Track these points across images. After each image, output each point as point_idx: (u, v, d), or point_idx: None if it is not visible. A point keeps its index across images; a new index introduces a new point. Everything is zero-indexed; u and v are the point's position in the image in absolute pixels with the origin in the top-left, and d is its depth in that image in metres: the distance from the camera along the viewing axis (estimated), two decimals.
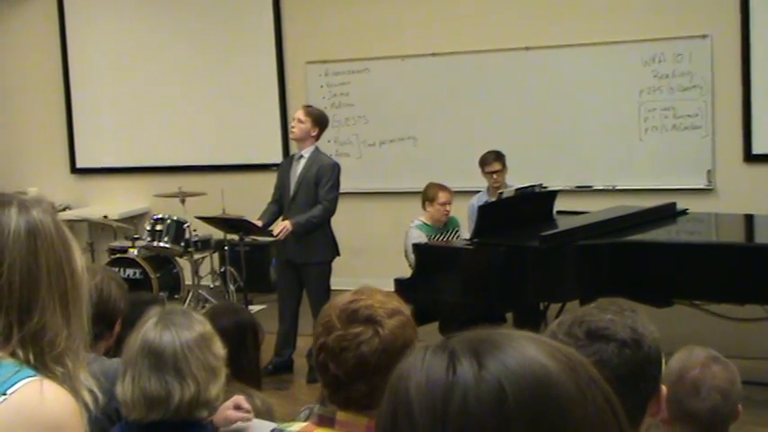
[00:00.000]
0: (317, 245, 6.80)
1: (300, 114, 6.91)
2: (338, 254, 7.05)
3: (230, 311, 3.63)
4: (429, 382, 0.95)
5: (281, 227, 6.76)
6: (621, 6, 8.50)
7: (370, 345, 2.03)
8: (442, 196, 7.15)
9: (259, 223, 7.01)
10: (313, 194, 6.82)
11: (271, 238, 6.98)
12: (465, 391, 0.93)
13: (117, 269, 8.30)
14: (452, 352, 0.97)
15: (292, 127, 6.96)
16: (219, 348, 2.60)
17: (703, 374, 2.52)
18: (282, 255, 6.98)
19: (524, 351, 0.96)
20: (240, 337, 3.38)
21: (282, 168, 7.11)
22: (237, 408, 2.72)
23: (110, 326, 3.06)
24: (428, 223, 7.17)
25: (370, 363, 2.01)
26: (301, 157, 6.93)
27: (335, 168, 6.92)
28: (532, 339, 0.99)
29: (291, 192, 6.90)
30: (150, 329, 2.53)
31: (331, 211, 6.87)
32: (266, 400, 3.27)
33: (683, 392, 2.43)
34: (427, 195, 7.22)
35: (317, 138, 6.97)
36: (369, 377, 2.01)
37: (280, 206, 7.05)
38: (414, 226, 7.16)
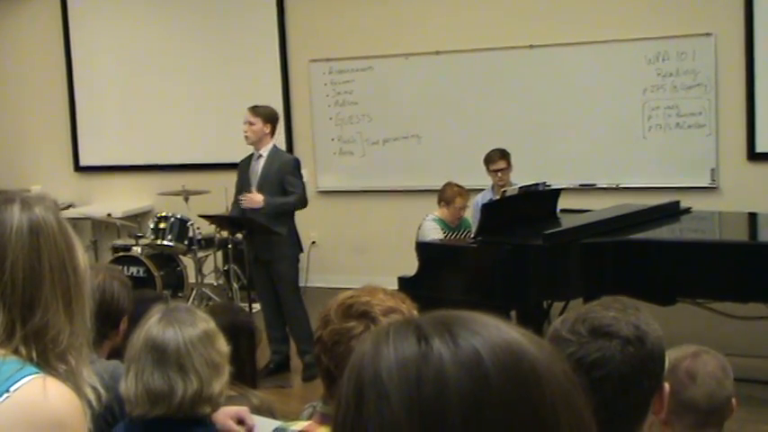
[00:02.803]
0: (282, 241, 6.82)
1: (249, 117, 6.89)
2: (302, 250, 7.21)
3: (226, 311, 3.63)
4: (400, 353, 0.92)
5: (251, 196, 6.81)
6: (625, 5, 8.48)
7: (360, 339, 2.03)
8: (459, 201, 7.08)
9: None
10: (276, 192, 6.85)
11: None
12: (440, 356, 0.91)
13: (120, 267, 8.30)
14: (419, 327, 0.95)
15: (245, 131, 6.91)
16: (223, 345, 2.61)
17: (695, 363, 2.54)
18: (251, 252, 7.01)
19: (491, 324, 0.96)
20: (233, 337, 3.37)
21: (242, 168, 7.11)
22: (240, 422, 2.71)
23: (114, 325, 3.06)
24: (443, 219, 7.15)
25: None
26: (260, 156, 6.94)
27: (297, 163, 7.04)
28: (495, 318, 0.98)
29: (254, 191, 6.92)
30: (153, 326, 2.54)
31: (303, 201, 6.94)
32: (266, 398, 3.26)
33: (679, 384, 2.44)
34: (444, 196, 7.15)
35: (272, 135, 6.99)
36: None
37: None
38: (430, 220, 7.12)
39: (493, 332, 0.94)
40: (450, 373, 0.90)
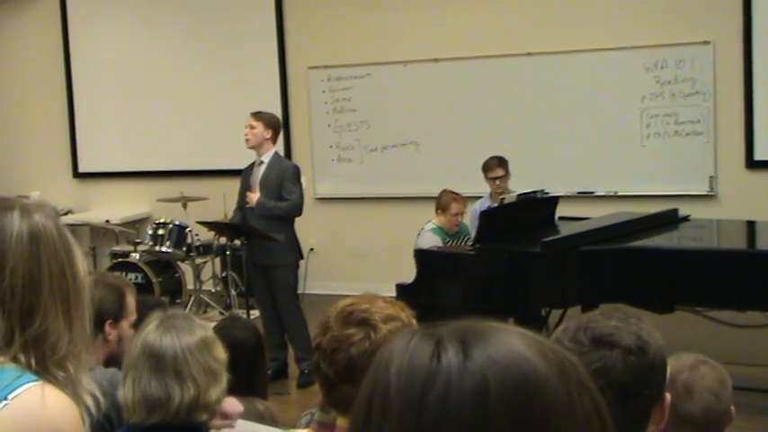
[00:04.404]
0: (280, 247, 6.82)
1: (251, 121, 6.96)
2: (302, 257, 7.21)
3: (246, 327, 3.67)
4: (411, 366, 0.91)
5: (252, 194, 6.89)
6: (624, 12, 8.50)
7: (359, 347, 2.03)
8: (454, 207, 7.08)
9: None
10: (274, 198, 6.88)
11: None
12: (447, 380, 0.89)
13: (119, 273, 8.29)
14: (440, 339, 0.93)
15: (245, 135, 6.96)
16: (221, 353, 2.61)
17: (693, 376, 2.53)
18: (250, 259, 7.04)
19: (513, 346, 0.93)
20: (250, 352, 3.44)
21: (244, 175, 7.15)
22: (224, 416, 2.72)
23: (99, 327, 3.07)
24: (441, 227, 7.14)
25: (357, 365, 2.01)
26: (261, 162, 6.98)
27: (296, 170, 7.04)
28: (524, 335, 0.95)
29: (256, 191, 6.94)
30: (151, 332, 2.55)
31: (297, 207, 6.94)
32: (270, 406, 3.28)
33: (676, 397, 2.44)
34: (440, 203, 7.17)
35: (274, 141, 7.03)
36: (356, 379, 2.00)
37: (244, 212, 7.10)
38: (428, 229, 7.12)
39: (512, 359, 0.91)
40: (453, 400, 0.89)
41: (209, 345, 2.58)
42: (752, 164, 8.25)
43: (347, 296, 2.20)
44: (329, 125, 9.64)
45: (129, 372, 2.53)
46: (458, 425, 0.88)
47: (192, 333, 2.56)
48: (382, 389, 0.92)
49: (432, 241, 6.92)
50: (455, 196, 7.15)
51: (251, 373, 3.39)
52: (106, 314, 3.11)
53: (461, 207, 7.15)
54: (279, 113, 9.68)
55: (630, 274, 5.82)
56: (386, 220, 9.40)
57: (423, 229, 7.19)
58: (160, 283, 8.61)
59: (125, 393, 2.51)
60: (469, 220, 7.40)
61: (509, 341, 0.93)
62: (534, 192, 6.91)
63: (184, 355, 2.50)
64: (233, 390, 2.78)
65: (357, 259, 9.57)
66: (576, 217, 7.06)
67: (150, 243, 8.62)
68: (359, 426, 0.94)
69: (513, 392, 0.89)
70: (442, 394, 0.89)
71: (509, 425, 0.88)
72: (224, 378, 2.59)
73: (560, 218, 6.94)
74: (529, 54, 8.79)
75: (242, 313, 7.55)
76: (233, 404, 2.77)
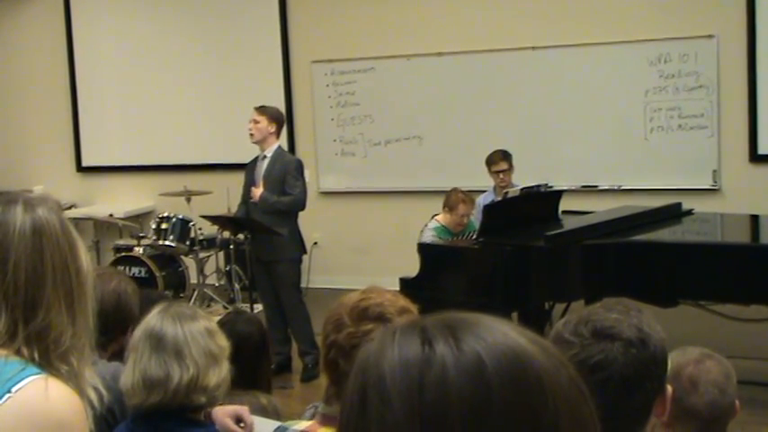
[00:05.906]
0: (284, 242, 6.83)
1: (255, 115, 6.97)
2: (305, 251, 7.18)
3: (250, 321, 3.69)
4: (404, 356, 0.93)
5: (255, 189, 6.89)
6: (627, 6, 8.48)
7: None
8: (461, 209, 7.04)
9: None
10: (277, 192, 6.88)
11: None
12: (443, 361, 0.91)
13: (122, 267, 8.32)
14: (424, 329, 0.95)
15: (250, 130, 6.97)
16: (223, 341, 2.65)
17: (698, 370, 2.53)
18: (253, 253, 7.05)
19: (497, 328, 0.96)
20: (261, 345, 3.46)
21: (248, 170, 7.16)
22: (239, 420, 2.72)
23: (123, 330, 3.07)
24: (445, 226, 7.12)
25: None
26: (265, 157, 6.99)
27: (298, 164, 7.03)
28: (502, 321, 0.99)
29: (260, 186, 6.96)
30: (153, 317, 2.60)
31: (300, 202, 6.93)
32: (273, 399, 3.29)
33: (681, 390, 2.44)
34: (448, 202, 7.12)
35: (277, 135, 7.04)
36: None
37: (248, 206, 7.11)
38: (431, 227, 7.11)
39: (498, 338, 0.94)
40: (452, 379, 0.91)
41: (211, 331, 2.62)
42: (755, 158, 8.24)
43: (351, 290, 2.20)
44: (332, 119, 9.64)
45: (131, 355, 2.57)
46: (460, 400, 0.90)
47: (195, 319, 2.61)
48: (377, 381, 0.93)
49: (432, 239, 6.91)
50: (464, 198, 7.09)
51: (255, 367, 3.41)
52: (135, 316, 3.10)
53: (469, 209, 7.10)
54: (282, 108, 9.67)
55: (634, 268, 5.83)
56: (389, 214, 9.40)
57: (426, 225, 7.18)
58: (163, 277, 8.62)
59: (126, 377, 2.54)
60: (474, 214, 7.39)
61: (491, 325, 0.97)
62: (538, 186, 6.91)
63: (185, 337, 2.54)
64: (237, 383, 2.79)
65: (360, 253, 9.57)
66: (579, 211, 7.06)
67: (154, 237, 8.63)
68: (352, 421, 0.95)
69: (507, 365, 0.92)
70: (441, 375, 0.91)
71: (509, 395, 0.91)
72: (225, 365, 2.61)
73: (564, 212, 6.95)
74: (533, 48, 8.78)
75: (245, 307, 7.55)
76: (247, 413, 2.77)
